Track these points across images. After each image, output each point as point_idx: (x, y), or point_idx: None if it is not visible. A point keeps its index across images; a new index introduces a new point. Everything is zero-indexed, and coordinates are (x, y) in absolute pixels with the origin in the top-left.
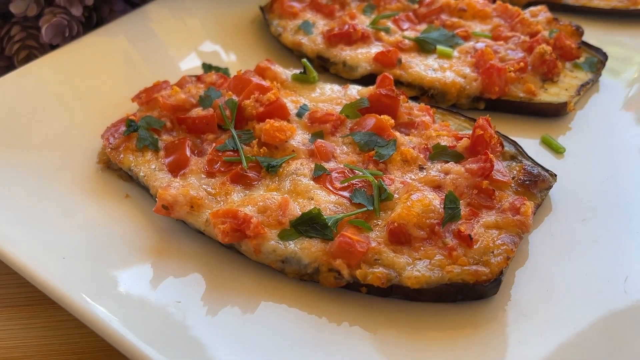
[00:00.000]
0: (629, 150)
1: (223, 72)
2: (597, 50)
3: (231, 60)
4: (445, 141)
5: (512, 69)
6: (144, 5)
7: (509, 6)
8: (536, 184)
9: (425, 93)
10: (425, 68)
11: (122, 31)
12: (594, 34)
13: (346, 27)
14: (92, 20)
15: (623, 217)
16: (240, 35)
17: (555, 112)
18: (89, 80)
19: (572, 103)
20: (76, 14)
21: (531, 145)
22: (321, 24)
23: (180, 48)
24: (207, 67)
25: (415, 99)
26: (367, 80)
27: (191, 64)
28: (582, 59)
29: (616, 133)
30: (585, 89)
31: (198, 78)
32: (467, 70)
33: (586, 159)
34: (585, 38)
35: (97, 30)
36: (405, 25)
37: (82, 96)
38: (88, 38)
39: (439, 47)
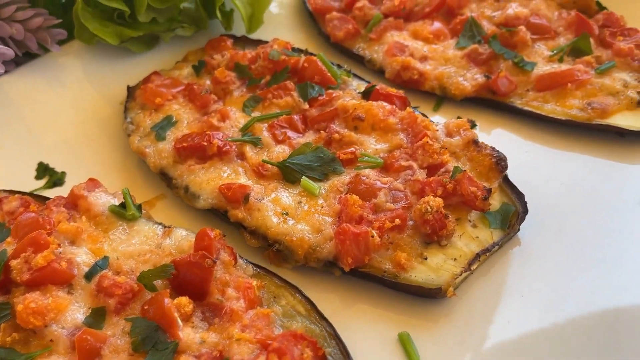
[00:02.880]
0: None
1: (57, 178)
2: (519, 196)
3: (82, 158)
4: (246, 352)
5: (376, 234)
6: None
7: (419, 119)
8: None
9: (271, 246)
10: (275, 213)
11: None
12: (541, 151)
13: (204, 136)
14: None
15: None
16: (103, 122)
17: (428, 295)
18: None
19: (453, 288)
20: None
21: (386, 341)
22: (186, 122)
23: (26, 137)
24: (42, 169)
25: (263, 249)
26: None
27: (31, 161)
28: (495, 204)
29: (511, 336)
30: (484, 258)
31: None
32: (328, 220)
33: None
34: (523, 159)
35: None
36: (282, 136)
37: None
38: None
39: (304, 181)
